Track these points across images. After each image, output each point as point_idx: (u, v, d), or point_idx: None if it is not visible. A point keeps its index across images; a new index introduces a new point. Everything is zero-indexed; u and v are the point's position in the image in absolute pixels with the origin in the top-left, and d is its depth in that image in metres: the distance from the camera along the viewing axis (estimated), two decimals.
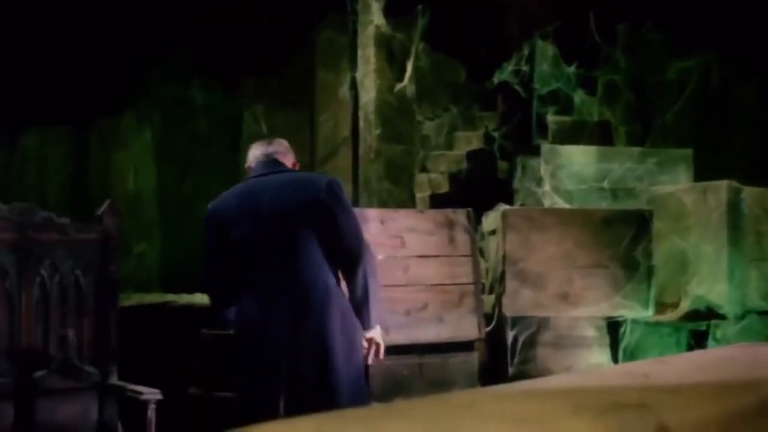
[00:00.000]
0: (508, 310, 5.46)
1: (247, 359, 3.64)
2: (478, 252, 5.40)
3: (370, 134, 7.18)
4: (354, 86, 7.38)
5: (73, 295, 4.27)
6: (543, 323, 5.48)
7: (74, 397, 4.24)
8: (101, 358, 4.30)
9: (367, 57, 7.19)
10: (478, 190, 6.84)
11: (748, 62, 7.16)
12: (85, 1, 8.22)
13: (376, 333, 3.77)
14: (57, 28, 8.35)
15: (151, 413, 3.92)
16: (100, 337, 4.31)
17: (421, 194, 7.35)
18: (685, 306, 5.45)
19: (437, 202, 7.09)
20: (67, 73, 8.50)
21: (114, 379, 4.28)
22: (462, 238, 5.25)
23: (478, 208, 5.83)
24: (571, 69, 7.37)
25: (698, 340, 5.36)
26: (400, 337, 5.00)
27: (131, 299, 6.74)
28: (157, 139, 8.63)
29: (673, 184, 6.09)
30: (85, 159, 9.01)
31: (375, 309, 3.73)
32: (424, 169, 7.56)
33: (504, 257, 5.48)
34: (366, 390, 3.82)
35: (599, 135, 7.28)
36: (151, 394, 3.94)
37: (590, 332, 5.51)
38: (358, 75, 7.27)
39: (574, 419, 1.25)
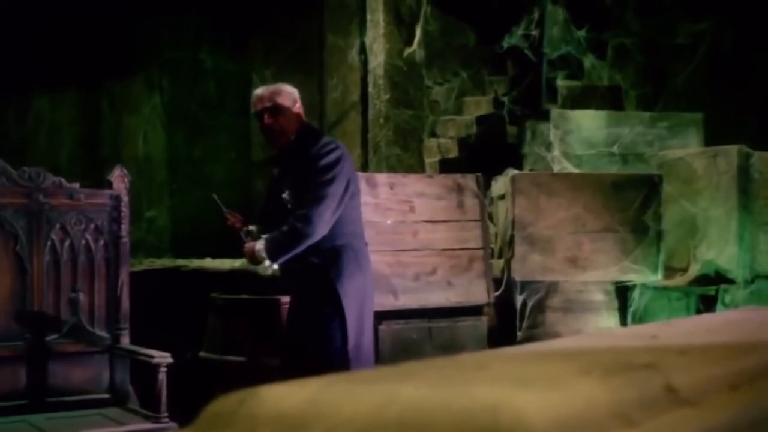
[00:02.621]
0: (517, 275, 5.48)
1: (361, 320, 4.06)
2: (487, 217, 5.40)
3: (379, 99, 7.17)
4: (363, 50, 7.35)
5: (83, 259, 4.29)
6: (552, 287, 5.49)
7: (86, 361, 4.27)
8: (112, 322, 4.32)
9: (376, 21, 7.16)
10: (487, 155, 6.83)
11: (761, 25, 7.11)
12: None
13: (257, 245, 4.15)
14: None
15: (162, 377, 3.94)
16: (111, 302, 4.33)
17: (431, 159, 7.34)
18: (694, 270, 5.45)
19: (446, 166, 7.09)
20: (77, 37, 8.49)
21: (125, 343, 4.31)
22: (471, 202, 5.25)
23: (488, 172, 5.83)
24: (581, 33, 7.33)
25: (707, 305, 5.36)
26: (410, 302, 5.02)
27: (142, 264, 6.76)
28: (167, 103, 8.63)
29: (683, 149, 6.07)
30: (95, 123, 9.01)
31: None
32: (433, 134, 7.55)
33: (513, 222, 5.48)
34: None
35: (609, 99, 7.26)
36: (161, 357, 3.97)
37: (599, 296, 5.52)
38: (367, 39, 7.25)
39: (582, 379, 1.26)
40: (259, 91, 4.20)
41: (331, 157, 4.04)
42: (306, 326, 4.02)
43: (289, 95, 4.14)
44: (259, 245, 4.07)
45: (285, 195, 4.09)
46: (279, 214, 4.08)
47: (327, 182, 4.01)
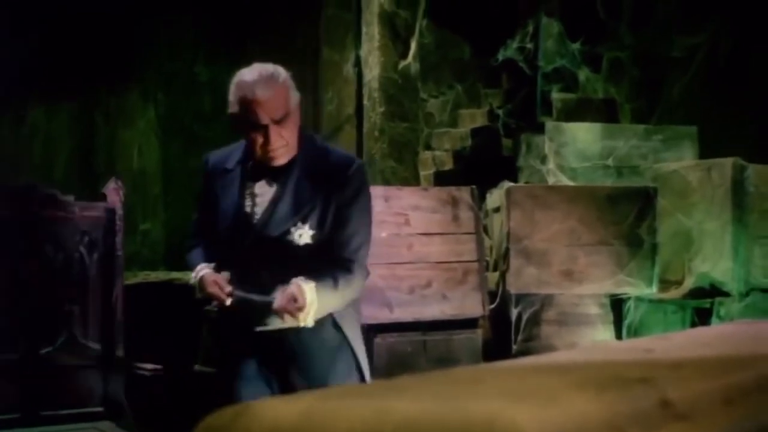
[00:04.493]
0: (512, 288, 5.47)
1: None
2: (482, 229, 5.40)
3: (374, 112, 7.18)
4: (358, 63, 7.36)
5: (77, 272, 4.28)
6: (547, 300, 5.49)
7: (79, 374, 4.27)
8: (106, 335, 4.32)
9: (371, 34, 7.17)
10: (482, 167, 6.83)
11: (756, 39, 7.13)
12: None
13: None
14: (63, 5, 8.33)
15: (156, 390, 3.94)
16: (105, 314, 4.33)
17: (426, 172, 7.35)
18: (689, 283, 5.45)
19: (441, 179, 7.09)
20: (73, 50, 8.49)
21: (119, 356, 4.30)
22: (466, 215, 5.25)
23: (483, 185, 5.83)
24: (576, 46, 7.35)
25: (702, 318, 5.36)
26: (405, 315, 5.01)
27: (136, 276, 6.75)
28: (162, 116, 8.63)
29: (678, 162, 6.08)
30: (90, 136, 9.01)
31: None
32: (428, 147, 7.55)
33: (508, 234, 5.48)
34: None
35: (604, 112, 7.27)
36: (155, 370, 3.96)
37: (594, 310, 5.52)
38: (363, 52, 7.26)
39: (577, 393, 1.26)
40: (260, 91, 3.03)
41: (361, 176, 3.18)
42: (316, 379, 3.14)
43: (295, 91, 3.15)
44: (310, 298, 2.98)
45: (298, 228, 3.05)
46: (236, 235, 3.11)
47: (364, 214, 3.17)
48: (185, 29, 8.42)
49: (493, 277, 5.62)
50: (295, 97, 3.13)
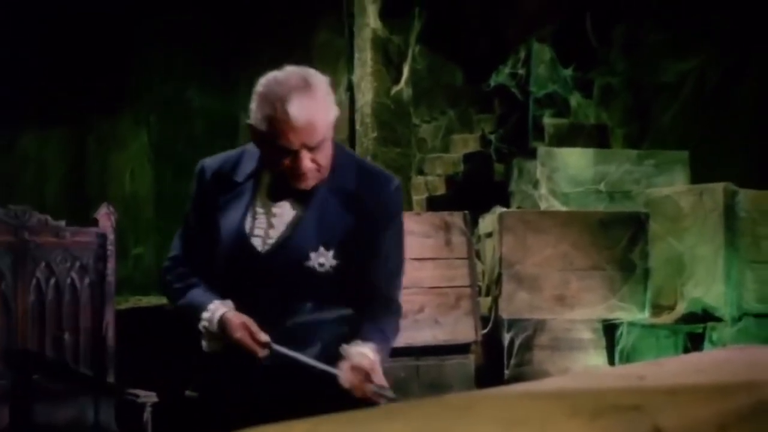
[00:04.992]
0: (505, 313, 5.46)
1: None
2: (474, 254, 5.40)
3: (366, 137, 7.18)
4: (351, 89, 7.38)
5: (69, 298, 4.26)
6: (539, 326, 5.48)
7: (70, 400, 4.24)
8: (97, 361, 4.29)
9: (364, 60, 7.19)
10: (474, 192, 6.84)
11: (745, 64, 7.17)
12: (82, 3, 8.21)
13: None
14: (54, 30, 8.35)
15: (147, 416, 3.92)
16: (96, 340, 4.31)
17: (418, 197, 7.35)
18: (681, 308, 5.44)
19: (434, 204, 7.09)
20: (65, 75, 8.49)
21: (110, 382, 4.28)
22: (458, 240, 5.25)
23: (475, 210, 5.83)
24: (568, 72, 7.38)
25: (695, 343, 5.35)
26: (397, 340, 5.00)
27: (128, 302, 6.73)
28: (154, 141, 8.64)
29: (670, 187, 6.09)
30: (82, 161, 9.01)
31: None
32: (420, 172, 7.56)
33: (500, 259, 5.48)
34: None
35: (596, 137, 7.29)
36: (147, 396, 3.94)
37: (587, 335, 5.51)
38: (355, 78, 7.28)
39: (569, 421, 1.25)
40: (295, 110, 2.48)
41: (400, 198, 2.77)
42: None
43: (335, 105, 2.64)
44: (373, 356, 2.59)
45: (320, 255, 2.61)
46: (241, 261, 2.66)
47: (401, 242, 2.78)
48: (177, 54, 8.43)
49: (485, 302, 5.61)
50: (334, 112, 2.61)
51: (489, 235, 5.77)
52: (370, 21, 7.16)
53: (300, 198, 2.62)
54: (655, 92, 7.52)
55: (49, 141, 9.02)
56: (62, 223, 4.29)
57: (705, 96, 7.35)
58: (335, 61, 7.57)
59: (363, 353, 2.55)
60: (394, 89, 7.22)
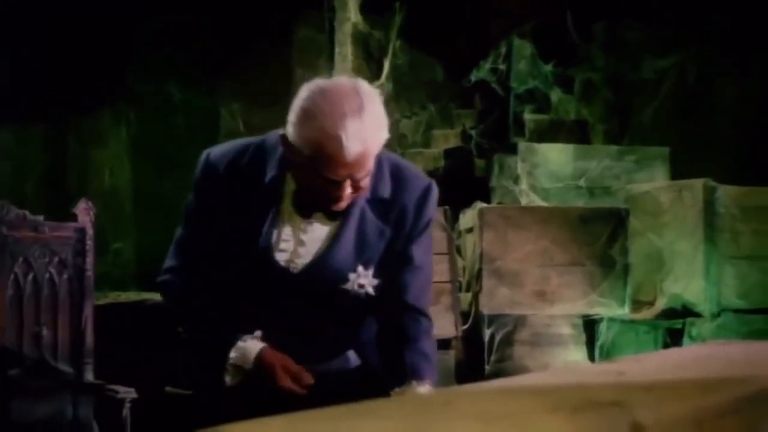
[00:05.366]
0: (485, 308, 5.47)
1: None
2: (455, 250, 5.40)
3: None
4: None
5: (47, 293, 4.24)
6: (520, 321, 5.49)
7: (49, 396, 4.21)
8: (76, 357, 4.27)
9: (344, 55, 7.18)
10: (455, 188, 6.83)
11: (725, 60, 7.19)
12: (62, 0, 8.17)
13: None
14: (32, 25, 8.30)
15: (126, 412, 3.89)
16: (75, 336, 4.28)
17: None
18: (661, 304, 5.46)
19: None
20: (43, 70, 8.44)
21: (89, 378, 4.25)
22: (439, 235, 5.24)
23: (455, 206, 5.83)
24: (549, 67, 7.39)
25: (674, 338, 5.37)
26: None
27: (107, 297, 6.70)
28: (134, 137, 8.60)
29: (650, 183, 6.10)
30: (61, 157, 8.95)
31: None
32: None
33: (481, 255, 5.48)
34: None
35: (576, 133, 7.30)
36: (126, 392, 3.92)
37: (567, 330, 5.52)
38: (336, 73, 7.26)
39: (549, 417, 1.25)
40: (351, 144, 2.18)
41: (435, 203, 2.48)
42: None
43: (386, 127, 2.30)
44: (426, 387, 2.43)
45: (360, 276, 2.39)
46: (264, 281, 2.39)
47: (431, 249, 2.54)
48: (157, 49, 8.39)
49: (465, 297, 5.61)
50: (386, 134, 2.29)
51: (469, 230, 5.78)
52: (351, 15, 7.14)
53: (334, 212, 2.35)
54: (636, 88, 7.54)
55: (28, 137, 8.96)
56: (41, 218, 4.26)
57: (685, 92, 7.38)
58: (316, 56, 7.55)
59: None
60: (375, 84, 7.20)
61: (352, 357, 2.54)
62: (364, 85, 2.28)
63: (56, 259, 4.25)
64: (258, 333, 2.40)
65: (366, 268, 2.39)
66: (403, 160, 2.57)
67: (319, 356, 2.43)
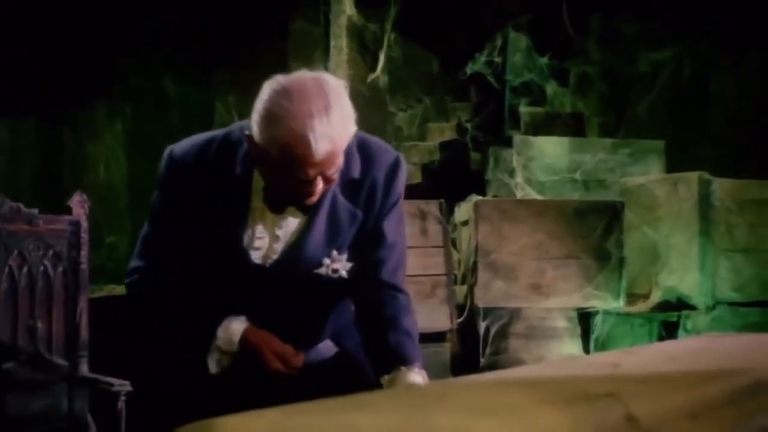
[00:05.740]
0: (480, 301, 5.47)
1: None
2: (450, 243, 5.40)
3: None
4: None
5: (42, 286, 4.23)
6: (515, 314, 5.49)
7: (44, 390, 4.21)
8: (71, 350, 4.26)
9: (340, 47, 7.17)
10: (450, 181, 6.84)
11: (721, 54, 7.20)
12: None
13: None
14: (27, 20, 8.28)
15: (122, 405, 3.89)
16: (69, 329, 4.27)
17: None
18: (656, 297, 5.47)
19: (409, 192, 7.06)
20: (38, 64, 8.43)
21: (84, 371, 4.25)
22: (434, 229, 5.24)
23: (451, 199, 5.83)
24: (544, 60, 7.39)
25: (669, 331, 5.38)
26: None
27: (102, 290, 6.69)
28: (129, 131, 8.59)
29: (645, 176, 6.11)
30: (56, 150, 8.95)
31: None
32: None
33: (476, 248, 5.48)
34: None
35: (572, 126, 7.30)
36: (121, 385, 3.92)
37: (562, 323, 5.52)
38: (331, 66, 7.25)
39: (544, 409, 1.25)
40: (318, 143, 2.13)
41: (404, 177, 2.48)
42: None
43: (354, 119, 2.26)
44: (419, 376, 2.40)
45: (334, 261, 2.36)
46: (240, 273, 2.35)
47: (402, 225, 2.51)
48: (153, 43, 8.38)
49: (461, 290, 5.62)
50: (354, 126, 2.24)
51: (465, 223, 5.78)
52: (346, 8, 7.13)
53: (306, 205, 2.30)
54: (632, 82, 7.54)
55: (23, 131, 8.95)
56: (35, 210, 4.25)
57: (680, 86, 7.38)
58: (311, 49, 7.55)
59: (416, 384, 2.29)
60: (370, 77, 7.20)
61: (329, 345, 2.51)
62: (328, 79, 2.22)
63: (51, 252, 4.24)
64: (242, 317, 2.36)
65: (340, 252, 2.36)
66: (368, 135, 2.48)
67: (296, 346, 2.37)
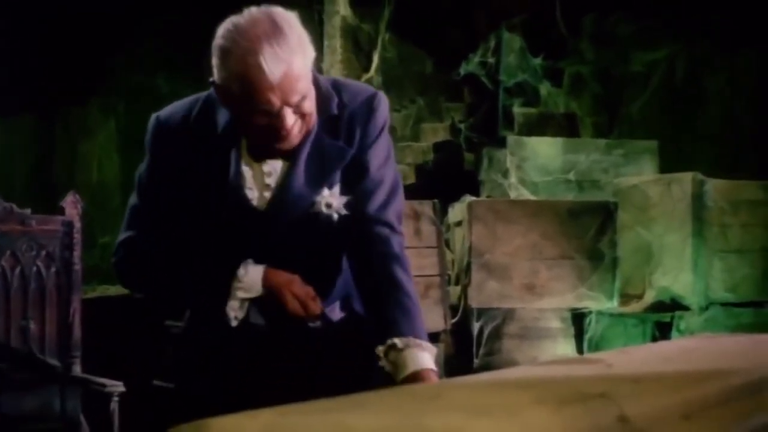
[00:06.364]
0: (474, 302, 5.47)
1: None
2: (444, 243, 5.40)
3: None
4: None
5: (34, 286, 4.22)
6: (509, 315, 5.49)
7: (36, 390, 4.20)
8: (64, 351, 4.26)
9: (334, 47, 7.17)
10: (444, 181, 6.84)
11: (714, 54, 7.21)
12: None
13: None
14: (20, 18, 8.26)
15: (114, 406, 3.89)
16: (62, 330, 4.27)
17: None
18: (649, 297, 5.47)
19: (403, 193, 7.08)
20: (32, 62, 8.42)
21: (77, 372, 4.24)
22: (428, 229, 5.24)
23: (445, 199, 5.83)
24: (538, 61, 7.40)
25: (663, 332, 5.39)
26: None
27: (95, 291, 6.69)
28: (122, 129, 8.58)
29: (638, 176, 6.11)
30: (49, 149, 8.94)
31: None
32: None
33: (470, 249, 5.48)
34: None
35: (565, 127, 7.31)
36: (114, 386, 3.91)
37: (555, 324, 5.53)
38: (325, 65, 7.25)
39: (537, 409, 1.25)
40: (271, 66, 2.11)
41: (386, 111, 2.37)
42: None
43: (311, 45, 2.25)
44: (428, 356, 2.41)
45: (325, 198, 2.28)
46: (237, 228, 2.29)
47: (392, 159, 2.41)
48: (146, 41, 8.37)
49: (454, 291, 5.62)
50: (312, 53, 2.22)
51: (458, 224, 5.78)
52: (340, 8, 7.14)
53: (290, 150, 2.25)
54: (625, 82, 7.55)
55: (16, 129, 8.94)
56: (28, 211, 4.25)
57: (674, 86, 7.39)
58: None
59: (427, 369, 2.28)
60: (364, 77, 7.21)
61: (337, 309, 2.41)
62: (278, 10, 2.23)
63: (44, 253, 4.24)
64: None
65: (330, 188, 2.29)
66: (347, 80, 2.48)
67: None
